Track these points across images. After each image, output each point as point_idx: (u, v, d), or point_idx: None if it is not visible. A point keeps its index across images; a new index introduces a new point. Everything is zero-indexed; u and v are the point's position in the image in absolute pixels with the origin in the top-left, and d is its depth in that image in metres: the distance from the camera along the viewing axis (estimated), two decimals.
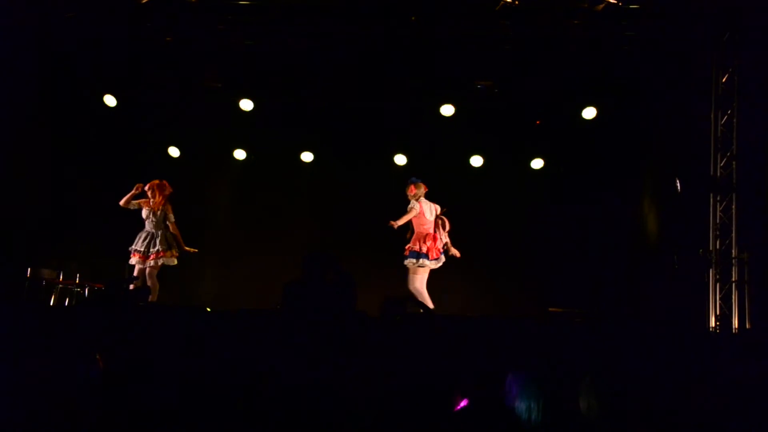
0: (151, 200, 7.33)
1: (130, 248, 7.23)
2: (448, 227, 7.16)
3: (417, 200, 7.04)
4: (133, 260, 7.19)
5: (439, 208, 7.20)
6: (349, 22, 7.57)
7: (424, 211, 7.02)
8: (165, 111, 8.90)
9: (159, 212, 7.25)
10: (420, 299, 6.64)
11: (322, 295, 4.65)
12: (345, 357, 3.95)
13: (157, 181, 7.36)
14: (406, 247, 7.01)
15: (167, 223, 7.26)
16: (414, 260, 6.92)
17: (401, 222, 6.88)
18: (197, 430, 3.50)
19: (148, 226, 7.28)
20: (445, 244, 7.07)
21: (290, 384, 3.64)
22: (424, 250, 6.92)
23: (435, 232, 7.03)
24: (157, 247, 7.16)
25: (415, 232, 7.02)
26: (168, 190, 7.35)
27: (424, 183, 7.13)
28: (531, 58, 7.86)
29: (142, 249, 7.17)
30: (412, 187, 7.12)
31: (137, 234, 7.30)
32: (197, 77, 8.61)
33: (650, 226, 8.50)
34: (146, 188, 7.33)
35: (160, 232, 7.21)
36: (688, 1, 7.04)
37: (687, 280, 7.39)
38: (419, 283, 6.91)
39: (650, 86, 8.02)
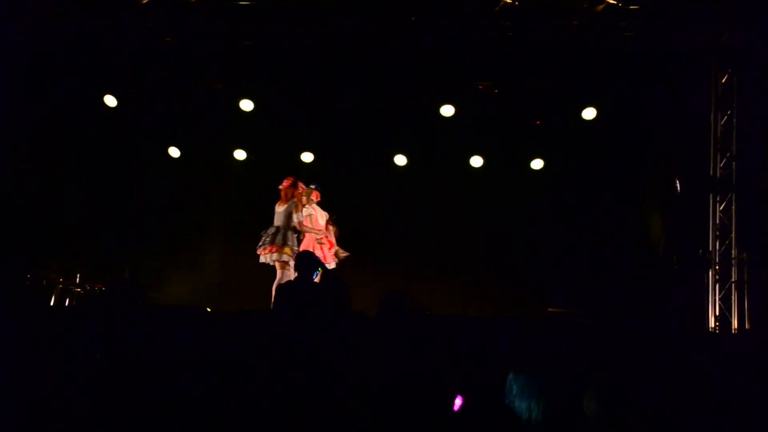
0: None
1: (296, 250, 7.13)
2: (336, 234, 7.52)
3: (310, 205, 7.35)
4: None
5: (327, 215, 7.53)
6: (349, 22, 7.57)
7: (317, 217, 7.35)
8: (165, 111, 8.89)
9: None
10: None
11: (314, 295, 4.65)
12: (343, 357, 3.95)
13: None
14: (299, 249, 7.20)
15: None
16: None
17: (309, 230, 7.25)
18: (197, 430, 3.51)
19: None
20: (336, 250, 7.44)
21: (289, 383, 3.65)
22: (318, 254, 7.13)
23: (327, 237, 7.37)
24: None
25: (307, 235, 7.27)
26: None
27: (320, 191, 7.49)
28: (531, 58, 7.86)
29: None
30: (316, 193, 7.43)
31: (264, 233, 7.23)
32: (197, 77, 8.60)
33: (650, 227, 8.50)
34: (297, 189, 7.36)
35: None
36: (688, 2, 7.04)
37: (686, 280, 7.39)
38: None
39: (650, 86, 8.01)
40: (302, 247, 7.21)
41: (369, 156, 9.23)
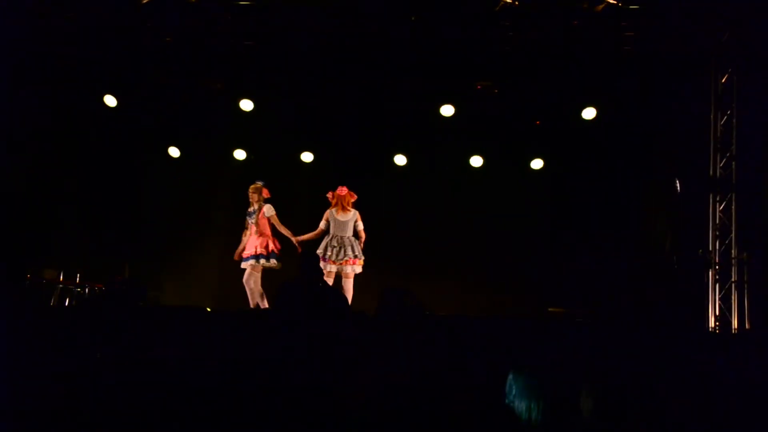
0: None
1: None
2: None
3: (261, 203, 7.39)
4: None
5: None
6: (349, 22, 7.57)
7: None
8: (165, 111, 8.90)
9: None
10: (257, 296, 7.09)
11: (316, 294, 4.64)
12: (343, 356, 3.95)
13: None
14: (264, 248, 7.19)
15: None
16: (268, 261, 7.21)
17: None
18: (197, 430, 3.51)
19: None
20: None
21: (290, 383, 3.65)
22: (276, 252, 7.27)
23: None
24: None
25: (265, 234, 7.27)
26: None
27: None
28: (531, 58, 7.86)
29: None
30: (266, 190, 7.44)
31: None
32: (197, 77, 8.61)
33: (650, 227, 8.50)
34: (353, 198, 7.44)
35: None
36: (688, 2, 7.04)
37: (687, 280, 7.39)
38: (259, 281, 7.19)
39: (650, 86, 8.01)
40: (265, 244, 7.25)
41: (369, 156, 9.23)
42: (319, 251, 7.15)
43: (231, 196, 9.55)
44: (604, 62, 7.87)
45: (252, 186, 7.40)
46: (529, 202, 9.01)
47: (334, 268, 7.16)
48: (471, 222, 9.05)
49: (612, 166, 8.75)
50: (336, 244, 7.19)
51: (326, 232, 7.33)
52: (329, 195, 7.47)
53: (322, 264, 6.98)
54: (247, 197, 7.48)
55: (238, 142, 9.37)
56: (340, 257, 7.16)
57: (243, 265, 7.23)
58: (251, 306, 7.05)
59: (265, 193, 7.40)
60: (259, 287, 7.13)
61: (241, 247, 7.35)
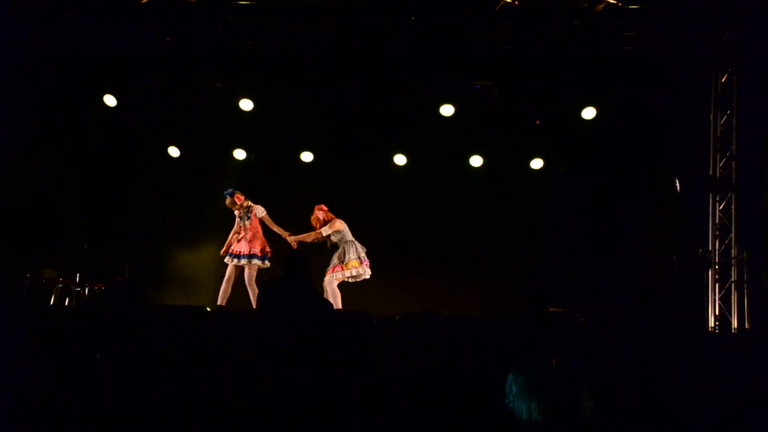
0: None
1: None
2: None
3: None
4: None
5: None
6: (350, 21, 7.57)
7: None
8: (165, 111, 8.90)
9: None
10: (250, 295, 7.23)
11: (300, 294, 4.59)
12: (343, 356, 3.95)
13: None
14: (260, 249, 7.27)
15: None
16: (263, 262, 7.31)
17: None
18: (197, 429, 3.51)
19: None
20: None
21: (290, 382, 3.65)
22: (269, 254, 7.35)
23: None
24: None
25: (258, 236, 7.34)
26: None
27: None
28: (531, 58, 7.86)
29: None
30: (238, 194, 7.45)
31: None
32: (197, 77, 8.61)
33: (649, 226, 8.51)
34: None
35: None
36: (688, 2, 7.04)
37: (686, 280, 7.40)
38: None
39: (650, 86, 8.02)
40: (260, 245, 7.30)
41: (369, 156, 9.24)
42: (354, 255, 7.12)
43: None
44: (604, 62, 7.87)
45: (228, 199, 7.41)
46: (529, 202, 9.02)
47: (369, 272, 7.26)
48: (471, 222, 9.06)
49: (612, 165, 8.76)
50: (360, 248, 7.25)
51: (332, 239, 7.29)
52: (322, 215, 7.33)
53: (361, 269, 7.09)
54: (246, 197, 7.53)
55: (238, 142, 9.38)
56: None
57: (235, 262, 7.29)
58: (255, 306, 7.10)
59: (238, 198, 7.42)
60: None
61: (228, 243, 7.44)
